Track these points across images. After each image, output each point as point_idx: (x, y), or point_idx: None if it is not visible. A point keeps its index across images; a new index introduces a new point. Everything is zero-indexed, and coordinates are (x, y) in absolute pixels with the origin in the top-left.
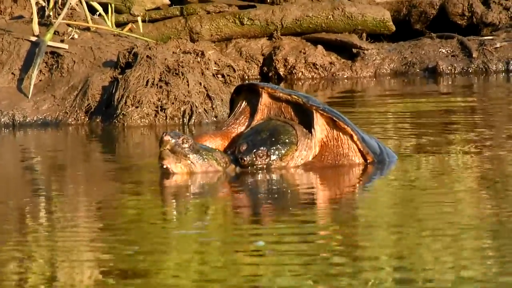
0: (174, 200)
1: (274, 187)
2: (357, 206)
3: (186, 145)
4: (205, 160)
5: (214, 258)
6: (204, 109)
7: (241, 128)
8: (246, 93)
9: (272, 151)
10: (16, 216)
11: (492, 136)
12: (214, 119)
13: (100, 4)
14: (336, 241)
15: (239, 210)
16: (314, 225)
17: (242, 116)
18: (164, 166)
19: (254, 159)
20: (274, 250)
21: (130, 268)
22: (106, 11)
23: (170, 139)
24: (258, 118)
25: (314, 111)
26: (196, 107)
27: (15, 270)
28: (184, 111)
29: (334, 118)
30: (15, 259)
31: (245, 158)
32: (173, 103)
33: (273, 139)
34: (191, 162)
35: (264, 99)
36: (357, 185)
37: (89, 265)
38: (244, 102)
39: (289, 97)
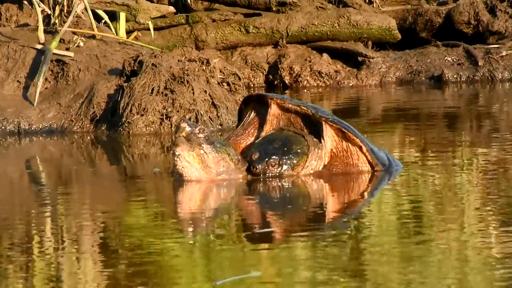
0: (182, 213)
1: (285, 198)
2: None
3: (201, 135)
4: (218, 153)
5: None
6: (209, 117)
7: (250, 139)
8: (255, 103)
9: (284, 160)
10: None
11: (497, 139)
12: (219, 127)
13: (106, 12)
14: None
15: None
16: (323, 241)
17: (251, 127)
18: (177, 153)
19: (266, 167)
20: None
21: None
22: (111, 19)
23: (187, 126)
24: (267, 128)
25: (323, 123)
26: (201, 115)
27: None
28: (189, 119)
29: (343, 129)
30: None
31: (257, 166)
32: (178, 111)
33: (285, 148)
34: (204, 152)
35: (273, 110)
36: (365, 194)
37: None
38: (253, 113)
39: (298, 108)
